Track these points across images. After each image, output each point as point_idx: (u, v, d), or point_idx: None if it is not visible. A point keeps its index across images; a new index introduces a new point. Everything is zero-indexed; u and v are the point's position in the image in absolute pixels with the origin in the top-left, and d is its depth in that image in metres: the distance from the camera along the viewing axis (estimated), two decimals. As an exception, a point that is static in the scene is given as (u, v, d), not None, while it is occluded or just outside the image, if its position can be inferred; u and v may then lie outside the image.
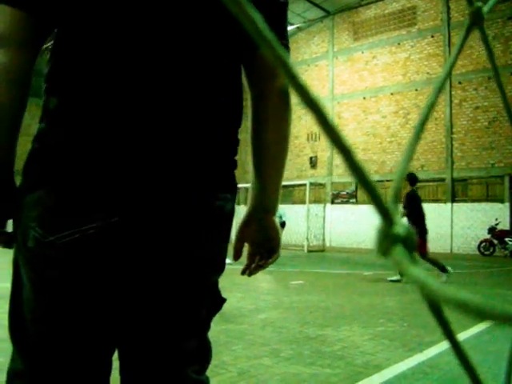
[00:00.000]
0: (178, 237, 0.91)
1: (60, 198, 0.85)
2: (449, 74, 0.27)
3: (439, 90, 0.24)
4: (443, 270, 7.02)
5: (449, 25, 16.77)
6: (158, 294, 0.92)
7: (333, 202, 18.93)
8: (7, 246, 0.95)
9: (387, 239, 0.17)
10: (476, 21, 0.29)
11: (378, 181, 16.78)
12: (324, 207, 17.76)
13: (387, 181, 16.79)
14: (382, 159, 17.72)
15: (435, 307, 0.19)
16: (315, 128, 19.43)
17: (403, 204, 7.17)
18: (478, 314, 0.16)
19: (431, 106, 0.24)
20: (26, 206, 0.88)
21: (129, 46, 0.87)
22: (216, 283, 1.02)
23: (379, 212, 0.17)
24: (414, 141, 0.21)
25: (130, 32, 0.87)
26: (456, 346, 0.22)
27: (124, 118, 0.86)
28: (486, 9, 0.29)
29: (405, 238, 0.17)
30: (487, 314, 0.16)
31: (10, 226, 0.95)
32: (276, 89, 1.05)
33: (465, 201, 16.02)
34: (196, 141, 0.92)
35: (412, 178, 7.19)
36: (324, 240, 17.05)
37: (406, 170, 0.21)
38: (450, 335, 0.21)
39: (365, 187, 0.17)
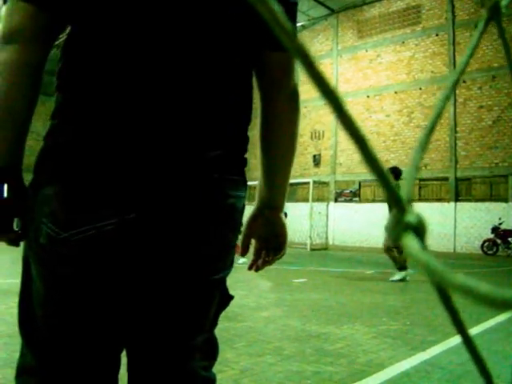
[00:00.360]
0: (187, 234, 0.91)
1: (74, 194, 0.85)
2: (467, 63, 0.28)
3: (456, 81, 0.24)
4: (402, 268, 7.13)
5: (453, 23, 16.69)
6: (166, 291, 0.93)
7: (336, 201, 18.91)
8: (14, 243, 0.95)
9: (399, 226, 0.17)
10: (493, 15, 0.29)
11: (382, 180, 16.68)
12: (327, 205, 17.75)
13: (390, 180, 16.71)
14: (385, 158, 17.67)
15: (444, 295, 0.20)
16: (319, 126, 19.41)
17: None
18: (488, 300, 0.16)
19: (447, 98, 0.24)
20: (39, 203, 0.88)
21: (139, 45, 0.88)
22: (224, 280, 1.03)
23: (392, 200, 0.17)
24: (429, 131, 0.21)
25: (141, 30, 0.88)
26: (465, 336, 0.23)
27: (135, 115, 0.86)
28: (504, 2, 0.30)
29: (416, 226, 0.18)
30: (496, 301, 0.16)
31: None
32: (285, 92, 1.06)
33: (468, 200, 15.97)
34: (206, 138, 0.93)
35: (396, 172, 7.01)
36: (327, 238, 17.04)
37: (420, 161, 0.22)
38: (459, 324, 0.21)
39: (379, 176, 0.17)
